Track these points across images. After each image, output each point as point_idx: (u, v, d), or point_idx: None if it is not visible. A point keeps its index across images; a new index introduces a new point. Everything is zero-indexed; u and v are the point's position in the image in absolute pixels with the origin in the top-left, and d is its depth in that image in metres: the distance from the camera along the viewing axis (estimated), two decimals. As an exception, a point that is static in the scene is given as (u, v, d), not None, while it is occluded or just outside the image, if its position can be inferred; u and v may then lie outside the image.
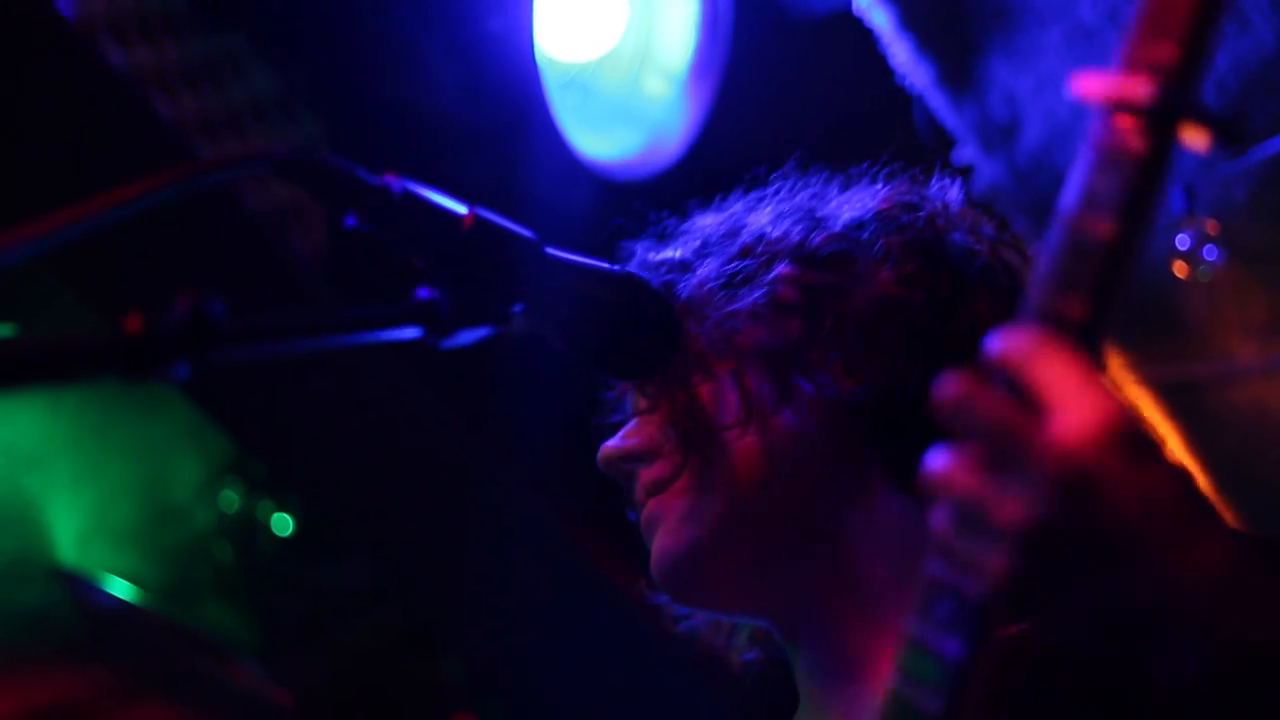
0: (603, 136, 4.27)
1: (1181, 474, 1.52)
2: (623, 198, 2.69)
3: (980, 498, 1.47)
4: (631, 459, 2.38)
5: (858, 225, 2.36)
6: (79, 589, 5.06)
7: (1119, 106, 1.49)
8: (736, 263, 2.36)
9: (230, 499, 5.46)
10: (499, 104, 3.93)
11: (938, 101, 4.79)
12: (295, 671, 5.45)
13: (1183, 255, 4.73)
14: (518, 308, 1.95)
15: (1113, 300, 1.49)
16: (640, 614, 4.45)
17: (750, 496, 2.28)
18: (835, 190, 2.50)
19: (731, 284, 2.34)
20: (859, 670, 2.27)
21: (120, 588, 5.13)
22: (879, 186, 2.47)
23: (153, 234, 3.60)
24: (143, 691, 5.16)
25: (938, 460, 1.51)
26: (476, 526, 4.72)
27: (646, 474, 2.36)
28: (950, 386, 1.49)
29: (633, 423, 2.41)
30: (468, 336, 1.85)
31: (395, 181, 1.84)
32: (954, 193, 2.47)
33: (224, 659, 5.30)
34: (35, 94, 3.66)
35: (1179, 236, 4.72)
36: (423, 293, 1.84)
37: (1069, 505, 1.44)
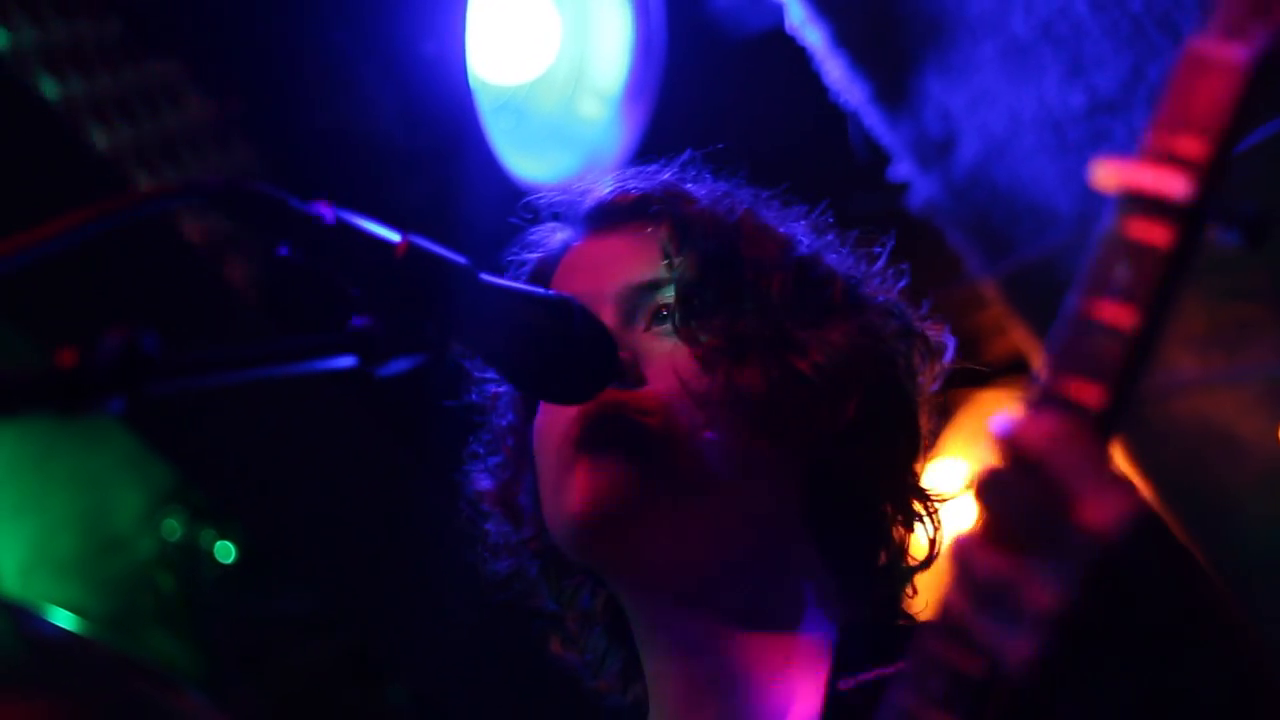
0: (538, 159, 4.28)
1: (1198, 563, 1.54)
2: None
3: (1008, 580, 1.46)
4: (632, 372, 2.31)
5: None
6: (21, 620, 5.03)
7: (1147, 200, 1.45)
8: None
9: (172, 528, 5.44)
10: (434, 128, 3.93)
11: (873, 118, 4.80)
12: (240, 700, 5.44)
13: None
14: (454, 334, 1.96)
15: (1133, 391, 1.47)
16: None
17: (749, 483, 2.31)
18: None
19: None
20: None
21: (63, 618, 5.11)
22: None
23: (88, 265, 3.59)
24: (87, 723, 5.14)
25: (963, 539, 1.50)
26: (420, 552, 4.71)
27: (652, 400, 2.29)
28: (984, 469, 1.49)
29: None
30: (403, 364, 1.85)
31: (328, 210, 1.83)
32: None
33: (168, 688, 5.28)
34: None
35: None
36: (357, 321, 1.83)
37: (1100, 592, 1.44)
